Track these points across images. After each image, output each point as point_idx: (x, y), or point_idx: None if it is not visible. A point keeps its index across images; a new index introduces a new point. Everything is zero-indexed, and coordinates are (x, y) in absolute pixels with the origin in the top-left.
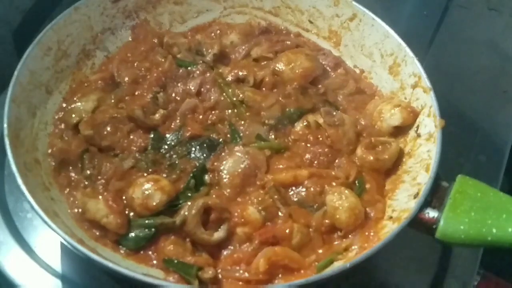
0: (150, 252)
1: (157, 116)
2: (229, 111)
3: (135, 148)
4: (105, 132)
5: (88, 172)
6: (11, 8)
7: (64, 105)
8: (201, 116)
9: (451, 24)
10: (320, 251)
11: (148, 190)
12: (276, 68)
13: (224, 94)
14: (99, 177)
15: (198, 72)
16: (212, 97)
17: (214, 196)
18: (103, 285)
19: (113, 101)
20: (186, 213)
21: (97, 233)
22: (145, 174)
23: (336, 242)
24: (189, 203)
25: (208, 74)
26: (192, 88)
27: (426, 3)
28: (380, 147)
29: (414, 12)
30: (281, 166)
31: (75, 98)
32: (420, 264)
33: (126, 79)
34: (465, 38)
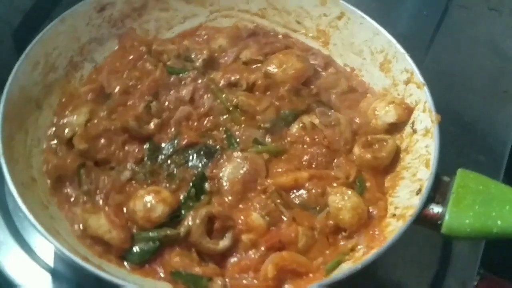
0: (155, 265)
1: (151, 125)
2: (224, 116)
3: (131, 160)
4: (100, 145)
5: (86, 187)
6: (11, 8)
7: (56, 119)
8: (195, 123)
9: (451, 24)
10: (327, 252)
11: (150, 202)
12: (268, 71)
13: (218, 99)
14: (97, 192)
15: (189, 78)
16: (205, 103)
17: (216, 204)
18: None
19: (105, 112)
20: (190, 223)
21: (100, 249)
22: (144, 186)
23: (341, 243)
24: (192, 213)
25: (200, 81)
26: (185, 95)
27: (426, 3)
28: (376, 145)
29: (414, 12)
30: (280, 170)
31: (66, 112)
32: (420, 264)
33: (117, 89)
34: (465, 38)
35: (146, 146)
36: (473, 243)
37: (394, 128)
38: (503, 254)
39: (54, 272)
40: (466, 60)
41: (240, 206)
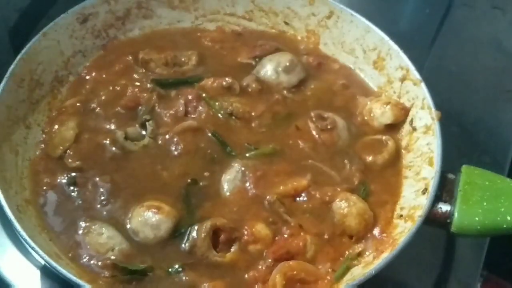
0: None
1: (145, 141)
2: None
3: None
4: (92, 161)
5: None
6: (8, 6)
7: (44, 137)
8: None
9: (454, 22)
10: (333, 257)
11: (152, 218)
12: (260, 74)
13: (212, 108)
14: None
15: (180, 90)
16: (200, 114)
17: (218, 215)
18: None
19: (94, 126)
20: (195, 237)
21: None
22: None
23: (348, 247)
24: (196, 226)
25: (190, 90)
26: (180, 108)
27: (429, 1)
28: (376, 146)
29: (417, 10)
30: (280, 176)
31: (53, 129)
32: (423, 266)
33: (104, 101)
34: (468, 37)
35: None
36: (476, 244)
37: (392, 128)
38: (506, 255)
39: (49, 273)
40: (469, 59)
41: (243, 216)
